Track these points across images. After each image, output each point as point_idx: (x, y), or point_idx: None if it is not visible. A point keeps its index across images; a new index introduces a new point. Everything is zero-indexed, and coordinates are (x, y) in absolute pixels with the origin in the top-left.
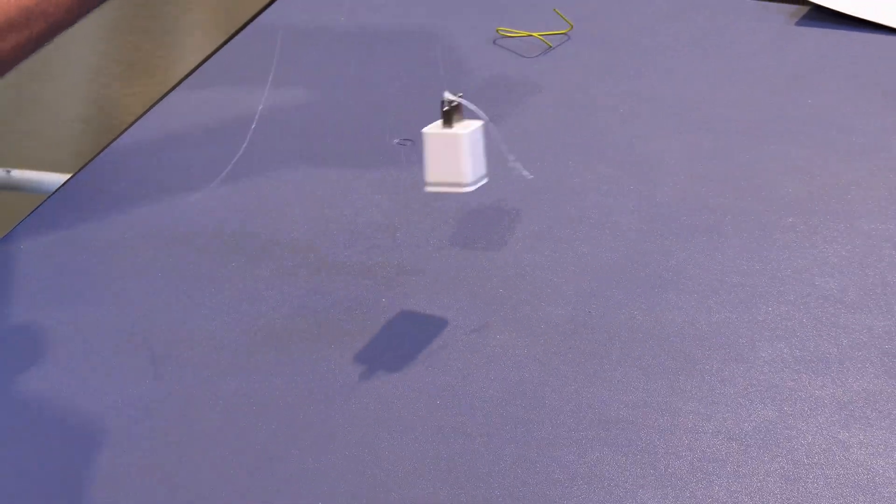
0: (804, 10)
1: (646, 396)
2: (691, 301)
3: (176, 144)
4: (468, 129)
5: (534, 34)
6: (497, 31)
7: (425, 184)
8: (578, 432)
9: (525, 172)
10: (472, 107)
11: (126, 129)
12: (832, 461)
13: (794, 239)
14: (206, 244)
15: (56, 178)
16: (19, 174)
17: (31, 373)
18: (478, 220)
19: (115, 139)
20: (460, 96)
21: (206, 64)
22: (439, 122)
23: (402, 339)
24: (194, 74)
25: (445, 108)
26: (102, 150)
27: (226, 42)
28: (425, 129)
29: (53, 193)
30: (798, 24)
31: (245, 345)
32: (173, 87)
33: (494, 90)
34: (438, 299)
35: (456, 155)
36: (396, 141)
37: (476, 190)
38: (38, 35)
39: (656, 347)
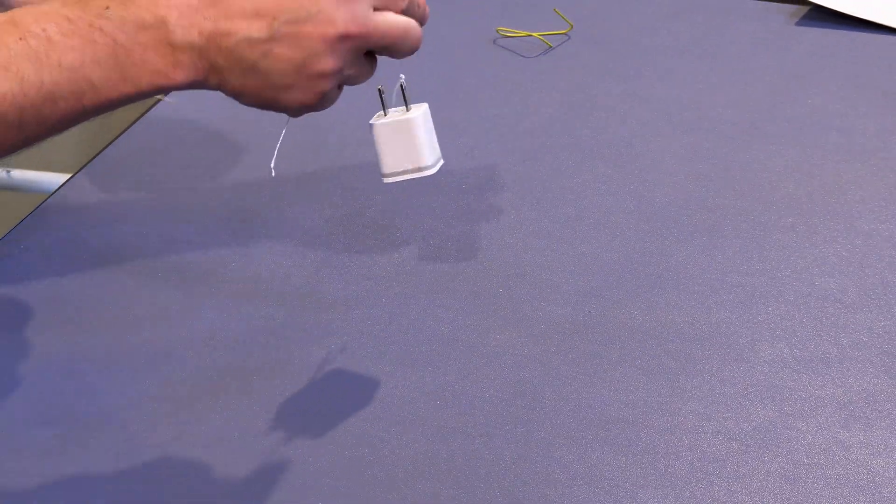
0: (804, 10)
1: (646, 396)
2: (691, 301)
3: (176, 144)
4: (418, 112)
5: (534, 34)
6: (497, 31)
7: (383, 176)
8: (578, 432)
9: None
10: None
11: (126, 129)
12: (832, 461)
13: (794, 239)
14: (206, 242)
15: (56, 178)
16: (19, 174)
17: (30, 371)
18: (478, 220)
19: (115, 139)
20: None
21: None
22: (381, 112)
23: (402, 339)
24: None
25: (385, 94)
26: (102, 150)
27: None
28: (373, 121)
29: (53, 193)
30: (798, 24)
31: (244, 344)
32: None
33: (494, 90)
34: (438, 299)
35: (411, 139)
36: None
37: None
38: (25, 138)
39: (656, 347)
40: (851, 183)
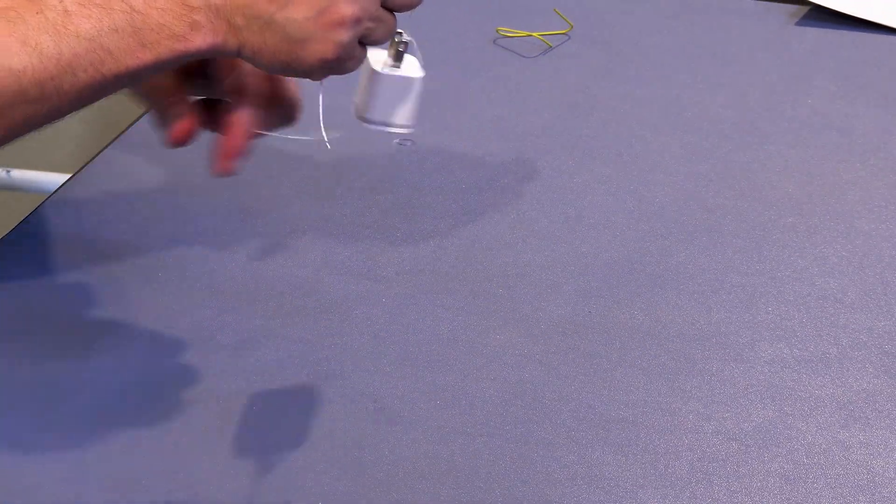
0: (804, 10)
1: (646, 396)
2: (691, 301)
3: None
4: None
5: (534, 34)
6: (497, 31)
7: (364, 120)
8: (578, 432)
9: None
10: (417, 55)
11: (126, 129)
12: (832, 461)
13: (794, 239)
14: (206, 242)
15: (56, 178)
16: (19, 174)
17: (29, 371)
18: (478, 220)
19: (115, 139)
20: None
21: None
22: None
23: (402, 339)
24: None
25: (399, 48)
26: (102, 150)
27: None
28: (375, 64)
29: (53, 193)
30: (798, 24)
31: (243, 344)
32: None
33: (494, 90)
34: (438, 299)
35: (403, 96)
36: (397, 141)
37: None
38: (47, 112)
39: (656, 347)
40: (851, 183)
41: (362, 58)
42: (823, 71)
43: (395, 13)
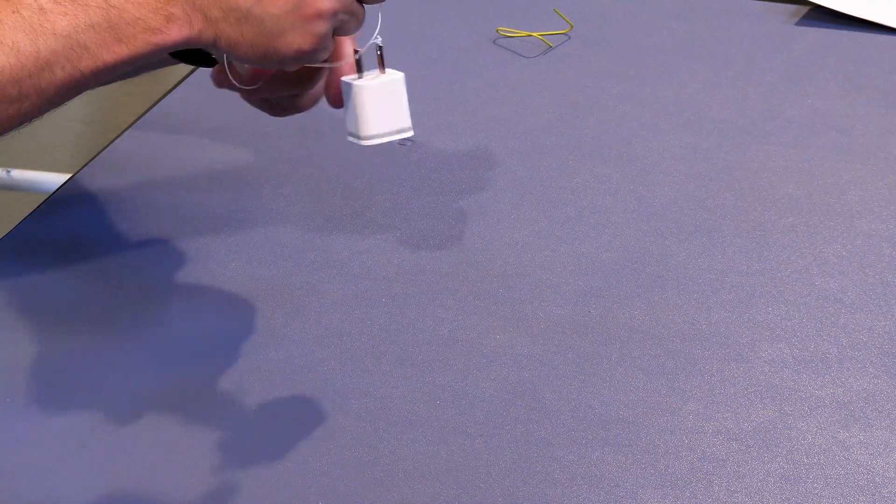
0: (804, 10)
1: (646, 396)
2: (691, 301)
3: (176, 144)
4: (375, 81)
5: (534, 34)
6: (497, 31)
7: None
8: (578, 432)
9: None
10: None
11: (126, 129)
12: (832, 461)
13: (794, 239)
14: (205, 242)
15: (56, 178)
16: (19, 174)
17: (29, 371)
18: (478, 219)
19: (115, 139)
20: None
21: None
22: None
23: (402, 339)
24: (194, 74)
25: (357, 58)
26: (102, 150)
27: None
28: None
29: (53, 193)
30: (798, 24)
31: (243, 344)
32: (173, 87)
33: (494, 90)
34: (438, 299)
35: (360, 105)
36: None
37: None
38: (27, 110)
39: (656, 347)
40: (851, 183)
41: (332, 48)
42: (823, 71)
43: (365, 5)
